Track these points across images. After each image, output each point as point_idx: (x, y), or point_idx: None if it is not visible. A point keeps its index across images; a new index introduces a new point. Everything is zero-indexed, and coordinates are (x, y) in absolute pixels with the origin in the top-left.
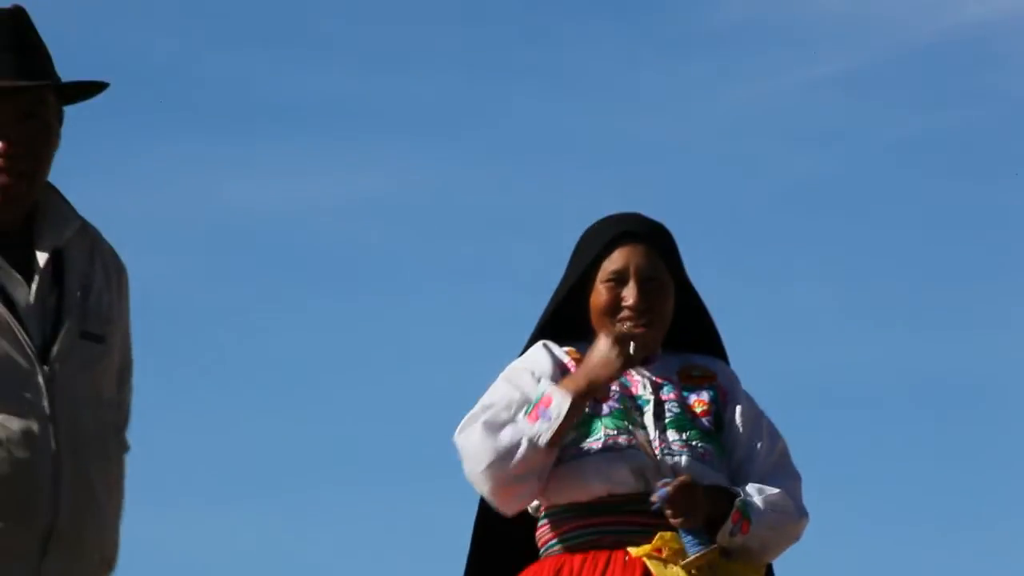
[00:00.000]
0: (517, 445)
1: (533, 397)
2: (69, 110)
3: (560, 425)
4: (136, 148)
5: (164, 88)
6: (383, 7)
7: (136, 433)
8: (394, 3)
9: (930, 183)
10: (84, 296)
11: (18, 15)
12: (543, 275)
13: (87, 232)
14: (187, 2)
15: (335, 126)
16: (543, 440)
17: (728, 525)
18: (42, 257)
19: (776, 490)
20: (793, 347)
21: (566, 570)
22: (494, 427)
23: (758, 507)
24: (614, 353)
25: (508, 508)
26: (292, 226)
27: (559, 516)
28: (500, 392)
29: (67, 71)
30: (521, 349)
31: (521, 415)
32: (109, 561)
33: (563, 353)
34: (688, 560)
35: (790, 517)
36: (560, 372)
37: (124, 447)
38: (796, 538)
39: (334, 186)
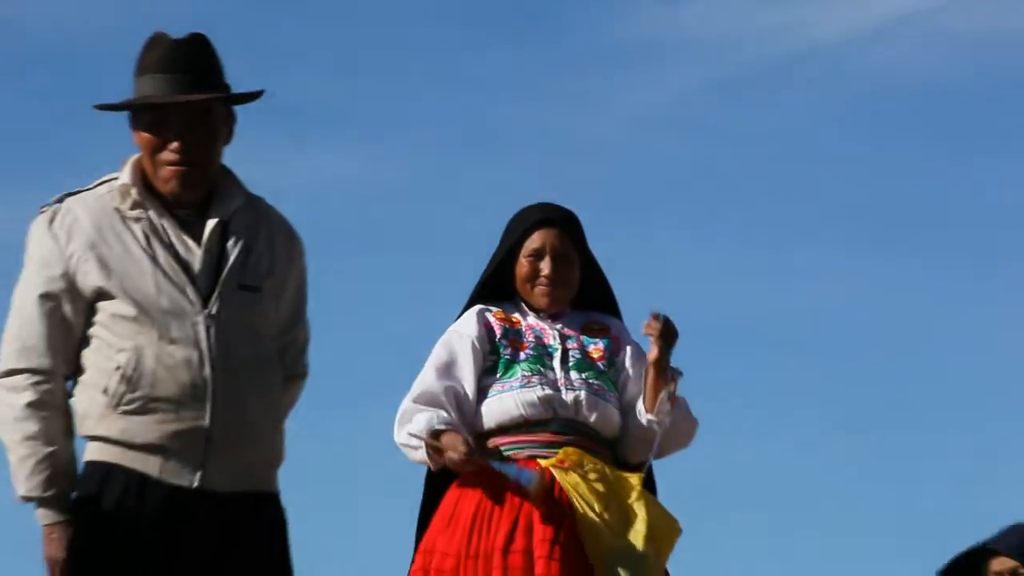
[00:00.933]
0: (425, 462)
1: (432, 419)
2: None
3: (434, 461)
4: None
5: None
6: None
7: None
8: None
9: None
10: (245, 255)
11: (194, 41)
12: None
13: (254, 206)
14: None
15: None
16: (432, 464)
17: (670, 386)
18: (209, 226)
19: (663, 416)
20: (667, 299)
21: (492, 481)
22: (410, 446)
23: (648, 420)
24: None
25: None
26: None
27: (485, 438)
28: (425, 376)
29: None
30: (460, 311)
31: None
32: (270, 462)
33: (491, 315)
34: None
35: (692, 417)
36: (486, 331)
37: (283, 373)
38: (692, 437)
39: None
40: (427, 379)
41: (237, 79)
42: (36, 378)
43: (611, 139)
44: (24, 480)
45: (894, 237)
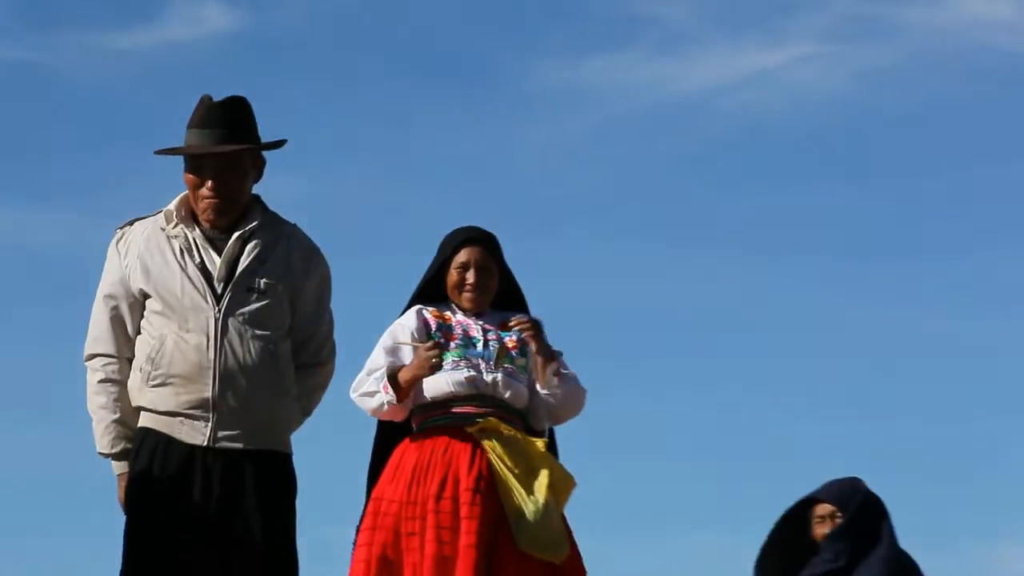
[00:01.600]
0: (381, 405)
1: (390, 362)
2: None
3: (397, 395)
4: None
5: None
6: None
7: None
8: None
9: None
10: (258, 264)
11: (230, 102)
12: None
13: (275, 227)
14: None
15: None
16: (393, 401)
17: (553, 365)
18: (230, 242)
19: (556, 390)
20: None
21: (428, 442)
22: (368, 394)
23: (566, 373)
24: (425, 366)
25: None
26: None
27: (423, 408)
28: (375, 357)
29: None
30: (402, 310)
31: (383, 382)
32: (272, 427)
33: (428, 313)
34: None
35: (581, 388)
36: (423, 325)
37: (301, 360)
38: (582, 404)
39: None
40: (376, 359)
41: (269, 130)
42: (105, 360)
43: (522, 170)
44: (98, 441)
45: (741, 246)
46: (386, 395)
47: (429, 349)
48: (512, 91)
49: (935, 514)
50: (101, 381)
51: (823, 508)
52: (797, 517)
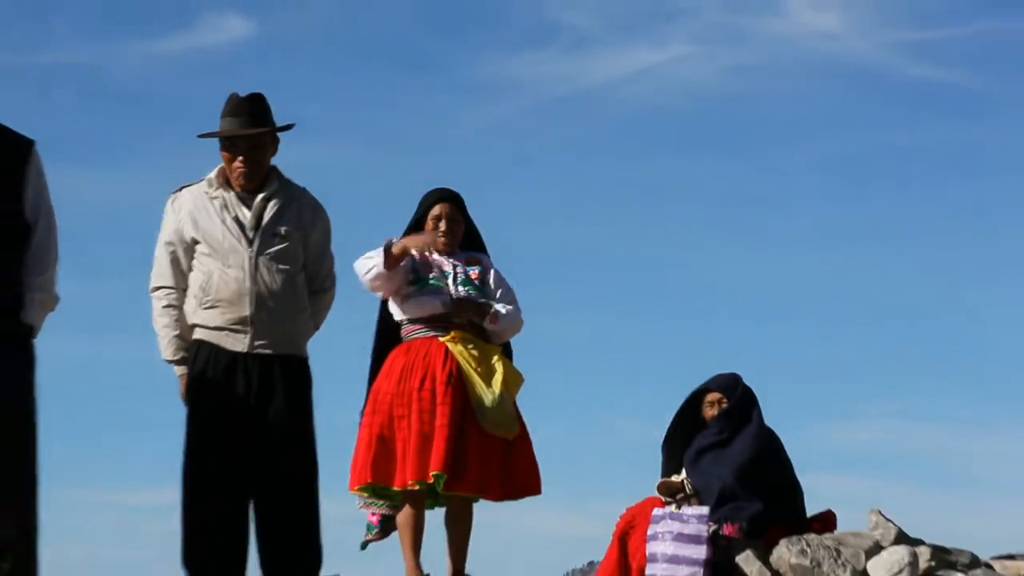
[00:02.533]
0: (372, 269)
1: (388, 239)
2: None
3: (385, 260)
4: None
5: None
6: None
7: None
8: None
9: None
10: (278, 218)
11: (253, 96)
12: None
13: (290, 190)
14: None
15: None
16: (382, 265)
17: (487, 319)
18: (256, 201)
19: (510, 306)
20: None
21: (412, 349)
22: (367, 259)
23: (500, 311)
24: (423, 240)
25: (381, 294)
26: None
27: (410, 322)
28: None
29: None
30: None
31: (379, 250)
32: (295, 337)
33: (413, 251)
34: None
35: (517, 317)
36: (410, 261)
37: (313, 288)
38: (517, 330)
39: None
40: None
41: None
42: (167, 291)
43: (464, 144)
44: (163, 350)
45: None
46: (379, 259)
47: (429, 235)
48: (455, 80)
49: (791, 400)
50: (164, 307)
51: (712, 396)
52: (693, 402)
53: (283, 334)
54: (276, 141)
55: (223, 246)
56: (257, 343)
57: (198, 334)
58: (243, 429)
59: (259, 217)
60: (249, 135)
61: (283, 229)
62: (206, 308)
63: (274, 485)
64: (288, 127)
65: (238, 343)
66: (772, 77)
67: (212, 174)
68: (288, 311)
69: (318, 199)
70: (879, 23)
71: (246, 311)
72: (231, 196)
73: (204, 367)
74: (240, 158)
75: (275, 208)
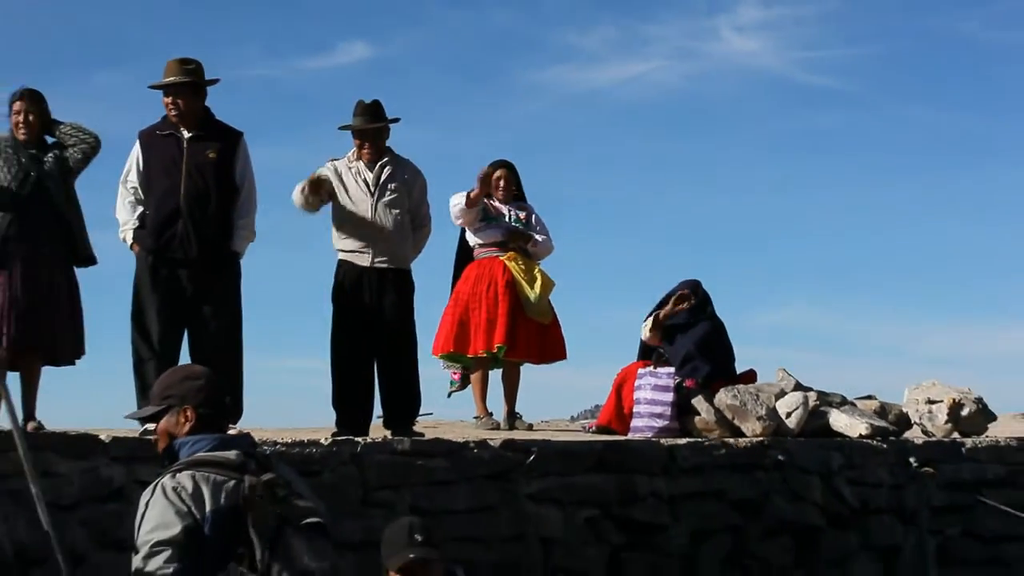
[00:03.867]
0: (458, 204)
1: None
2: None
3: (467, 202)
4: None
5: None
6: None
7: None
8: None
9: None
10: (391, 179)
11: (374, 102)
12: None
13: (400, 161)
14: None
15: None
16: (464, 204)
17: (527, 244)
18: (376, 169)
19: (544, 236)
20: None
21: (482, 264)
22: (456, 200)
23: (538, 240)
24: (486, 185)
25: (461, 222)
26: None
27: (479, 247)
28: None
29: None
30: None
31: (463, 195)
32: (406, 255)
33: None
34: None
35: (549, 244)
36: (483, 206)
37: (405, 224)
38: (549, 252)
39: None
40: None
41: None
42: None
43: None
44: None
45: None
46: (463, 200)
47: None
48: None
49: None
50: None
51: (683, 293)
52: (668, 297)
53: (397, 252)
54: (389, 131)
55: (357, 197)
56: (378, 260)
57: (339, 255)
58: (367, 323)
59: (378, 178)
60: (373, 128)
61: (393, 185)
62: (344, 237)
63: (390, 352)
64: (396, 119)
65: (364, 260)
66: (715, 81)
67: (350, 152)
68: (402, 237)
69: (417, 166)
70: (784, 47)
71: (372, 241)
72: (361, 166)
73: (343, 279)
74: (367, 144)
75: (388, 172)
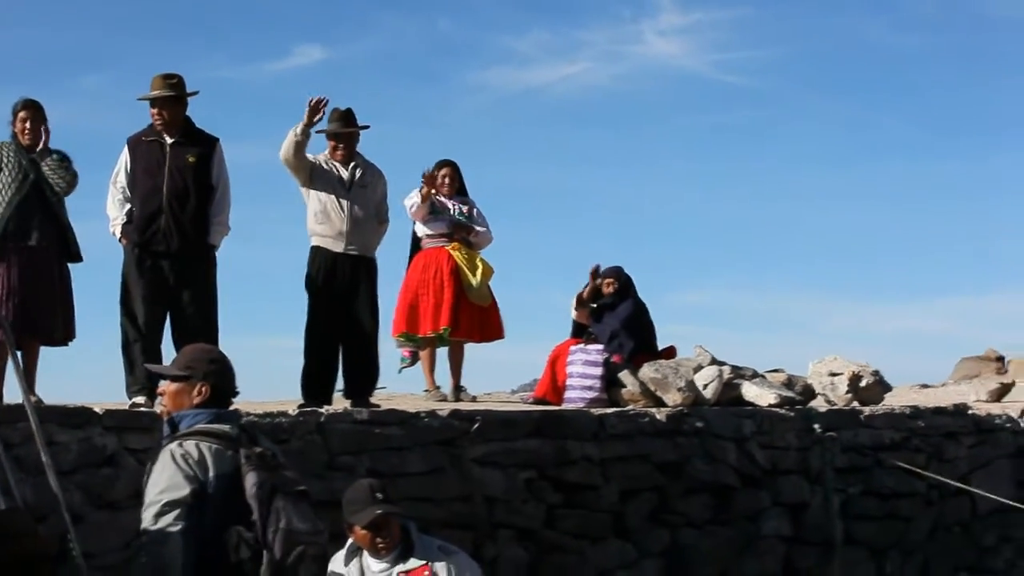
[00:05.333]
0: (413, 206)
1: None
2: None
3: (421, 199)
4: None
5: None
6: None
7: None
8: None
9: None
10: (363, 176)
11: (347, 110)
12: None
13: (366, 161)
14: None
15: None
16: (418, 203)
17: (472, 234)
18: (351, 167)
19: (484, 228)
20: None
21: (429, 253)
22: (409, 200)
23: (479, 231)
24: (428, 189)
25: (415, 218)
26: None
27: (427, 238)
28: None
29: None
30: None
31: (416, 199)
32: (372, 244)
33: (433, 197)
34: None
35: (488, 235)
36: (429, 203)
37: (372, 218)
38: (488, 243)
39: None
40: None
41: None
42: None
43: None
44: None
45: None
46: (417, 199)
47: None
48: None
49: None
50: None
51: (609, 280)
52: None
53: (365, 242)
54: (359, 134)
55: (333, 191)
56: (350, 248)
57: (314, 241)
58: (340, 304)
59: (351, 175)
60: (347, 132)
61: (363, 183)
62: (318, 224)
63: (358, 331)
64: (366, 126)
65: (337, 247)
66: (640, 80)
67: (326, 151)
68: (369, 231)
69: (380, 168)
70: (703, 50)
71: (344, 229)
72: (336, 163)
73: (319, 267)
74: (341, 145)
75: (358, 171)
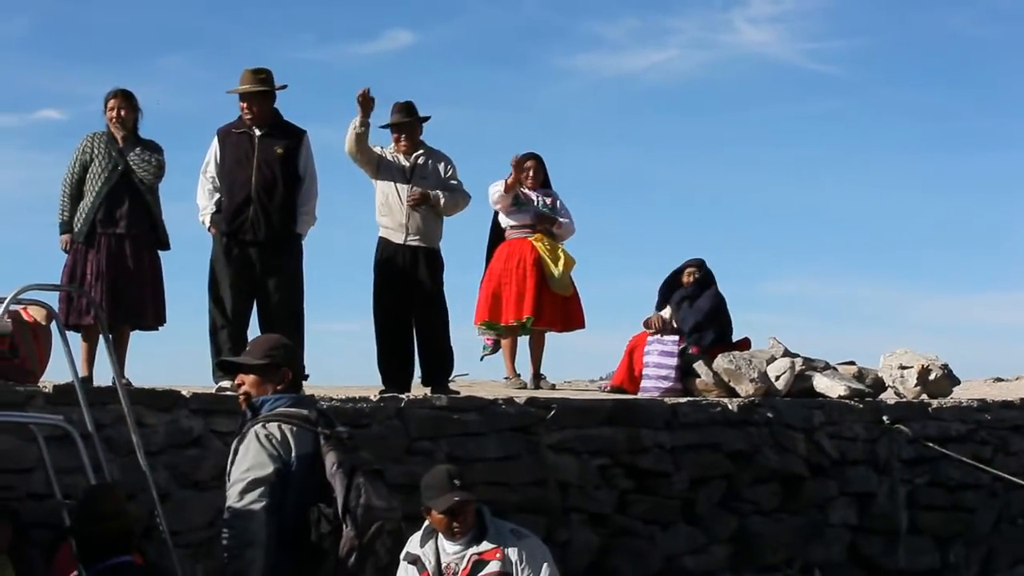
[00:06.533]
0: (497, 191)
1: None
2: None
3: (505, 188)
4: None
5: None
6: None
7: None
8: None
9: None
10: (424, 170)
11: (407, 102)
12: None
13: (431, 152)
14: None
15: None
16: (502, 190)
17: (555, 226)
18: (411, 156)
19: (567, 220)
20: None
21: (513, 243)
22: (494, 188)
23: (563, 222)
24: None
25: (497, 207)
26: None
27: (510, 228)
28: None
29: None
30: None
31: (500, 185)
32: (436, 235)
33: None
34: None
35: (571, 227)
36: (514, 195)
37: (444, 199)
38: (573, 234)
39: None
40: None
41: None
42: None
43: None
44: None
45: None
46: (501, 187)
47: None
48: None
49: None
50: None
51: (690, 269)
52: (677, 272)
53: (424, 235)
54: (421, 125)
55: (396, 181)
56: (410, 239)
57: (380, 231)
58: (404, 292)
59: (413, 165)
60: (406, 122)
61: (425, 174)
62: (383, 215)
63: (425, 320)
64: (427, 118)
65: (399, 238)
66: (731, 67)
67: (391, 144)
68: (427, 222)
69: (447, 154)
70: (792, 38)
71: (403, 219)
72: (399, 155)
73: (382, 252)
74: (403, 136)
75: (420, 160)
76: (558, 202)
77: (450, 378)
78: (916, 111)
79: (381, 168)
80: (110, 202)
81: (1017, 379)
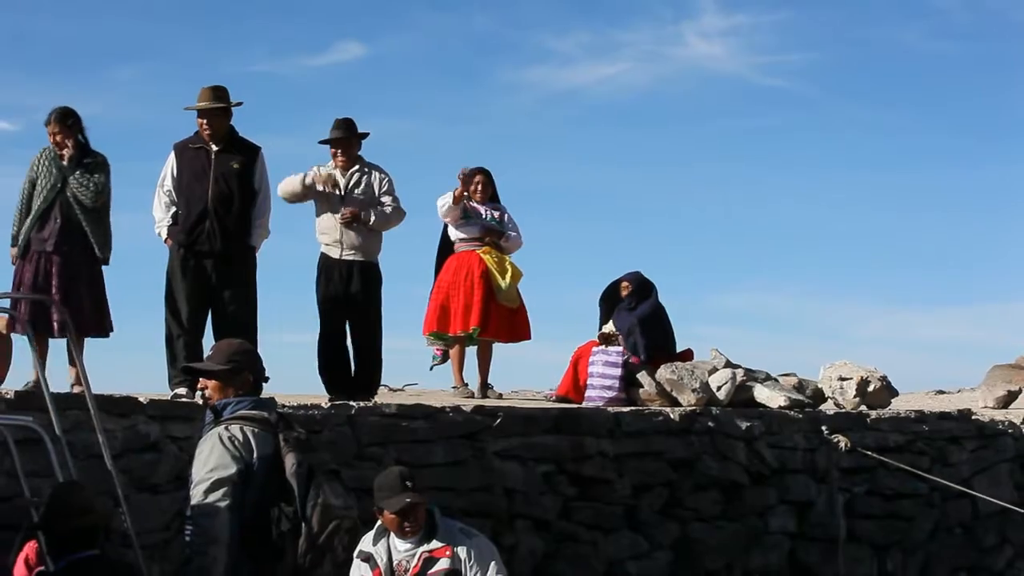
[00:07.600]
0: (444, 205)
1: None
2: None
3: (453, 199)
4: None
5: None
6: None
7: None
8: None
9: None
10: (359, 185)
11: (346, 119)
12: None
13: (367, 167)
14: None
15: None
16: (449, 202)
17: (503, 239)
18: (348, 172)
19: (514, 233)
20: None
21: (461, 256)
22: (442, 200)
23: (510, 235)
24: (459, 192)
25: (446, 220)
26: None
27: (459, 241)
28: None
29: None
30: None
31: (449, 198)
32: (375, 250)
33: (465, 201)
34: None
35: (518, 240)
36: (462, 208)
37: (375, 217)
38: (520, 247)
39: None
40: (444, 197)
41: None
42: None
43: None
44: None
45: None
46: (449, 200)
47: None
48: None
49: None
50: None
51: (626, 284)
52: (615, 285)
53: (360, 249)
54: (360, 141)
55: (331, 198)
56: (347, 254)
57: (321, 247)
58: (344, 304)
59: (348, 183)
60: (344, 138)
61: (359, 190)
62: (322, 233)
63: (360, 332)
64: (365, 135)
65: (336, 252)
66: (681, 80)
67: (330, 163)
68: (363, 236)
69: (384, 169)
70: (744, 52)
71: (337, 235)
72: (336, 170)
73: (323, 269)
74: (340, 151)
75: (355, 179)
76: (506, 216)
77: (401, 387)
78: (867, 126)
79: (311, 195)
80: (42, 221)
81: (959, 392)
